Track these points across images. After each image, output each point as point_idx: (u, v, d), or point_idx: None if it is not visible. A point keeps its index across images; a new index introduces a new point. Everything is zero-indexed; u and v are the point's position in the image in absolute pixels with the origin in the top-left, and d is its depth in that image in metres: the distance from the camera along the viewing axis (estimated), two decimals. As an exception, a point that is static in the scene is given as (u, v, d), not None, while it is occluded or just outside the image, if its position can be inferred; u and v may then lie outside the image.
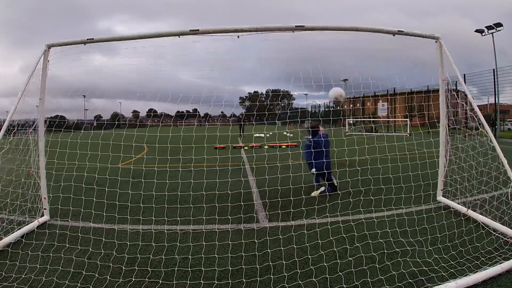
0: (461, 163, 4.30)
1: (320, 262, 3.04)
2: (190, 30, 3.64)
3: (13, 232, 3.69)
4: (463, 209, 4.17)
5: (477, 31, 27.01)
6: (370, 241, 3.45)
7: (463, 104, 4.10)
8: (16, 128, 3.85)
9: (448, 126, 4.48)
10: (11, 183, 3.91)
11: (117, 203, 4.35)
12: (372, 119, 29.56)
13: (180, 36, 3.66)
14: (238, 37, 3.67)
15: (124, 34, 3.79)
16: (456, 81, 4.36)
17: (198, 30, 3.63)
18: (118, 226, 4.00)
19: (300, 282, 2.73)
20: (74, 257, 3.14)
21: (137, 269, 2.96)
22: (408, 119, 23.47)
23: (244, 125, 21.55)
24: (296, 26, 3.59)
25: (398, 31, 3.88)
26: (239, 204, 4.47)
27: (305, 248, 3.34)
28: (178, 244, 3.43)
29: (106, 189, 4.32)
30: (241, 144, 14.29)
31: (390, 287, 2.61)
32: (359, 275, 2.81)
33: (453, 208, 4.40)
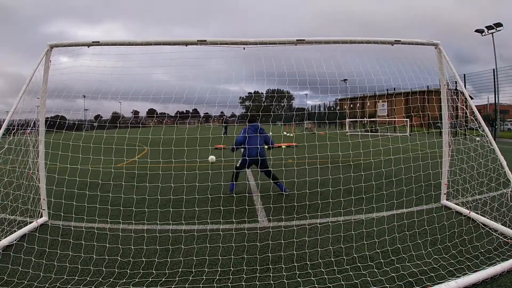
0: (462, 165, 4.32)
1: (319, 262, 3.05)
2: (198, 41, 3.78)
3: (12, 233, 3.66)
4: (465, 211, 4.18)
5: (477, 31, 27.03)
6: (369, 241, 3.46)
7: (463, 108, 4.14)
8: (15, 128, 3.83)
9: (450, 128, 4.52)
10: (10, 184, 3.88)
11: (121, 208, 4.34)
12: (371, 120, 29.63)
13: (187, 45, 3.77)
14: (244, 48, 3.85)
15: (131, 39, 3.81)
16: (456, 81, 4.39)
17: (205, 41, 3.78)
18: (119, 226, 3.99)
19: (299, 280, 2.74)
20: (70, 260, 3.12)
21: (142, 272, 2.96)
22: (408, 119, 23.49)
23: (228, 126, 21.58)
24: (297, 39, 3.88)
25: (395, 41, 3.93)
26: (239, 204, 4.48)
27: (304, 247, 3.35)
28: (183, 246, 3.44)
29: (111, 194, 4.31)
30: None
31: (390, 286, 2.61)
32: (359, 274, 2.81)
33: (454, 210, 4.40)
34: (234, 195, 5.44)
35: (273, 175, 5.67)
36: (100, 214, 4.17)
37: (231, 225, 4.02)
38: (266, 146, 5.82)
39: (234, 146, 5.85)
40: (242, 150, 5.77)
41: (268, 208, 4.69)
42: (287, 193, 5.46)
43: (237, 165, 5.75)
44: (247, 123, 5.95)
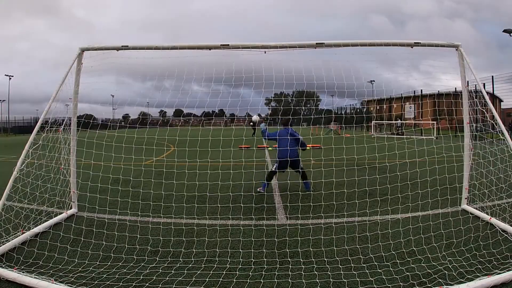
0: (482, 169, 4.26)
1: (336, 259, 3.19)
2: (221, 45, 3.99)
3: (42, 223, 3.99)
4: (486, 217, 4.12)
5: (505, 31, 26.22)
6: (385, 243, 3.55)
7: (484, 111, 4.09)
8: (48, 126, 4.10)
9: (471, 132, 4.46)
10: (42, 177, 4.14)
11: (150, 203, 4.65)
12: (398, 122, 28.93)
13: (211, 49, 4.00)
14: (265, 52, 4.01)
15: (158, 44, 4.08)
16: (476, 85, 4.32)
17: (228, 45, 3.98)
18: (149, 219, 4.33)
19: (316, 273, 2.89)
20: (104, 248, 3.43)
21: (169, 259, 3.23)
22: (435, 122, 22.73)
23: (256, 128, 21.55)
24: (316, 43, 4.01)
25: (415, 43, 3.96)
26: (258, 202, 4.66)
27: (320, 245, 3.51)
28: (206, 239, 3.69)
29: (142, 189, 4.63)
30: (265, 145, 14.38)
31: (404, 285, 2.69)
32: (374, 272, 2.92)
33: (474, 215, 4.35)
34: (265, 193, 5.66)
35: (304, 174, 5.83)
36: (131, 208, 4.50)
37: (250, 221, 4.24)
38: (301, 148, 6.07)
39: (263, 130, 6.14)
40: (277, 153, 5.98)
41: (286, 206, 4.87)
42: (310, 191, 5.64)
43: (273, 169, 5.98)
44: (279, 126, 6.18)
